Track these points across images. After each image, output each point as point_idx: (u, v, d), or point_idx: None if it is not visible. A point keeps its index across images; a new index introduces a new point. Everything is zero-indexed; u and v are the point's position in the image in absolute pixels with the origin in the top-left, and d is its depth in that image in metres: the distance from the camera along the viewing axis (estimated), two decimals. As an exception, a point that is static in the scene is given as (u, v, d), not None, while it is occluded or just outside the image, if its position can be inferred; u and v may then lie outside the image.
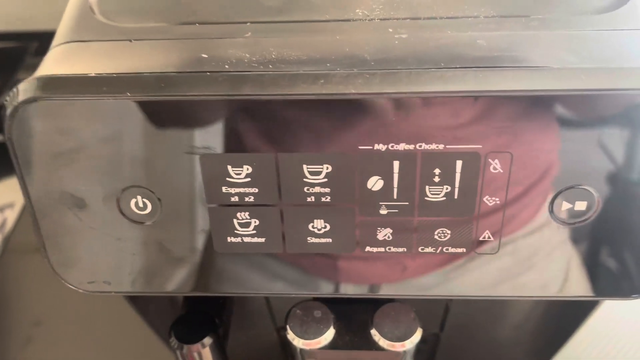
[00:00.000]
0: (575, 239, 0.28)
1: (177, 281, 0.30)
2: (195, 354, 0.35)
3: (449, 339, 0.53)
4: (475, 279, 0.29)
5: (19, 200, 0.92)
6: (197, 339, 0.35)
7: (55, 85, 0.26)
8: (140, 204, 0.28)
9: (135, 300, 0.39)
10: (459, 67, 0.25)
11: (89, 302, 0.76)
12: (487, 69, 0.25)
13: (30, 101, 0.26)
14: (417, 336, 0.34)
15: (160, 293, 0.31)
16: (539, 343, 0.50)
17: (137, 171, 0.27)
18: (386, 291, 0.30)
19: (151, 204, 0.28)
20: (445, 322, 0.51)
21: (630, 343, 0.68)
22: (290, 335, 0.34)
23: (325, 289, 0.31)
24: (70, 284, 0.31)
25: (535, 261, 0.29)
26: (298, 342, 0.34)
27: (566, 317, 0.43)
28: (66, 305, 0.77)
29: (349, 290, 0.31)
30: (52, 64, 0.27)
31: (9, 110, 0.26)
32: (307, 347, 0.34)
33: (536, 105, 0.25)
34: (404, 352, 0.34)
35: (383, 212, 0.28)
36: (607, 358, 0.67)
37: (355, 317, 0.35)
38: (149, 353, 0.71)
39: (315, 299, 0.36)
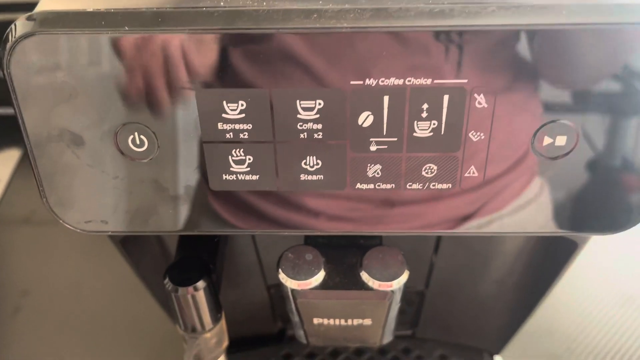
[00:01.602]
0: (557, 174, 0.29)
1: (173, 220, 0.31)
2: (189, 297, 0.36)
3: (434, 296, 0.55)
4: (460, 215, 0.31)
5: (5, 173, 0.92)
6: (191, 282, 0.36)
7: (53, 20, 0.27)
8: (137, 141, 0.29)
9: (129, 250, 0.40)
10: (447, 3, 0.26)
11: (76, 271, 0.77)
12: (475, 4, 0.26)
13: (28, 35, 0.26)
14: (404, 277, 0.35)
15: (156, 232, 0.32)
16: (520, 298, 0.51)
17: (134, 107, 0.28)
18: (374, 228, 0.32)
19: (148, 141, 0.29)
20: (430, 279, 0.53)
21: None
22: (282, 277, 0.35)
23: (316, 227, 0.32)
24: (67, 224, 0.32)
25: (518, 197, 0.30)
26: (290, 283, 0.35)
27: (545, 270, 0.45)
28: (53, 275, 0.77)
29: (339, 227, 0.32)
30: (49, 2, 0.28)
31: (7, 46, 0.27)
32: (298, 288, 0.35)
33: (520, 40, 0.26)
34: (392, 292, 0.35)
35: (373, 148, 0.29)
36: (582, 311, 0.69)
37: (344, 260, 0.36)
38: (136, 320, 0.72)
39: (307, 244, 0.37)
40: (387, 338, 0.41)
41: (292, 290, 0.35)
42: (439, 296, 0.54)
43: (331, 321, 0.37)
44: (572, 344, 0.68)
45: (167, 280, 0.36)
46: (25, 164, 0.94)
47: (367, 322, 0.37)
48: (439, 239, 0.44)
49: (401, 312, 0.61)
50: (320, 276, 0.35)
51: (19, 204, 0.87)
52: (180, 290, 0.35)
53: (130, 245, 0.40)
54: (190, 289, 0.35)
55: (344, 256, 0.36)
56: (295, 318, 0.38)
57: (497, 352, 0.62)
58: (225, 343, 0.42)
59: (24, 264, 0.80)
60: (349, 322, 0.37)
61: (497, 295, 0.52)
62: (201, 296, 0.36)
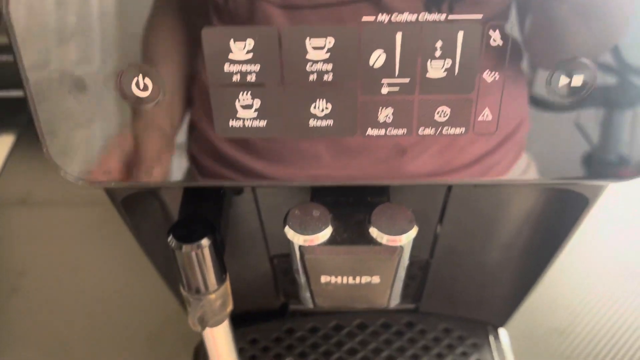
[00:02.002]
0: (573, 116, 0.29)
1: (177, 169, 0.31)
2: (194, 254, 0.35)
3: (438, 266, 0.54)
4: (474, 161, 0.30)
5: (1, 154, 0.91)
6: (196, 239, 0.35)
7: (54, -46, 0.26)
8: (141, 85, 0.28)
9: (130, 212, 0.39)
10: None
11: (73, 252, 0.76)
12: None
13: (28, -29, 0.25)
14: (413, 232, 0.34)
15: (160, 184, 0.31)
16: (526, 264, 0.51)
17: (138, 48, 0.27)
18: (384, 177, 0.31)
19: (152, 84, 0.28)
20: (434, 248, 0.52)
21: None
22: (290, 233, 0.35)
23: (323, 177, 0.31)
24: (69, 175, 0.31)
25: (533, 141, 0.29)
26: (298, 239, 0.34)
27: (553, 231, 0.44)
28: (50, 255, 0.76)
29: (347, 177, 0.31)
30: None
31: (6, -17, 0.26)
32: (306, 244, 0.34)
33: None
34: (401, 247, 0.34)
35: (384, 90, 0.28)
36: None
37: (352, 217, 0.36)
38: (135, 299, 0.71)
39: (313, 201, 0.36)
40: (395, 300, 0.40)
41: (300, 247, 0.35)
42: (444, 266, 0.54)
43: (339, 279, 0.36)
44: (575, 318, 0.68)
45: (171, 237, 0.35)
46: (21, 146, 0.93)
47: (375, 280, 0.36)
48: (445, 202, 0.43)
49: (405, 286, 0.61)
50: (327, 232, 0.35)
51: (15, 185, 0.86)
52: (184, 247, 0.35)
53: (131, 206, 0.39)
54: (195, 245, 0.34)
55: (352, 213, 0.36)
56: (302, 279, 0.38)
57: (501, 325, 0.62)
58: (230, 307, 0.41)
59: (21, 245, 0.79)
60: (357, 280, 0.36)
61: (502, 263, 0.51)
62: (206, 254, 0.35)
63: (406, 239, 0.34)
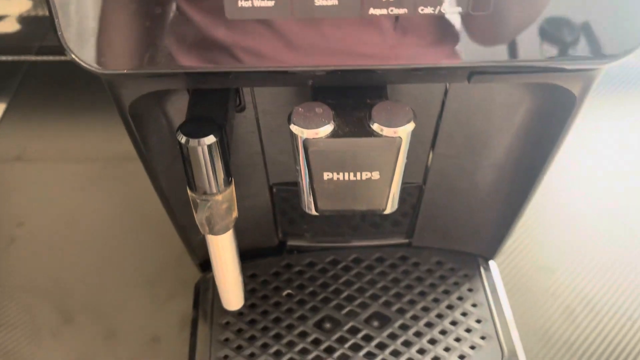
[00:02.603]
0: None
1: (189, 54, 0.32)
2: (201, 149, 0.36)
3: (430, 192, 0.56)
4: (470, 41, 0.32)
5: (-1, 108, 0.91)
6: (204, 136, 0.36)
7: None
8: (156, -35, 0.29)
9: (138, 126, 0.40)
10: None
11: (70, 204, 0.77)
12: None
13: None
14: (412, 125, 0.36)
15: (173, 69, 0.32)
16: (515, 184, 0.53)
17: None
18: (380, 61, 0.33)
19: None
20: (427, 173, 0.54)
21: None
22: (294, 128, 0.36)
23: (328, 61, 0.33)
24: (83, 62, 0.32)
25: (527, 20, 0.31)
26: (302, 133, 0.36)
27: (542, 141, 0.46)
28: (48, 207, 0.77)
29: (350, 61, 0.33)
30: None
31: None
32: (310, 137, 0.36)
33: None
34: (400, 138, 0.36)
35: (387, -32, 0.30)
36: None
37: (353, 114, 0.37)
38: (133, 245, 0.72)
39: (315, 100, 0.38)
40: (393, 206, 0.42)
41: (304, 141, 0.36)
42: (436, 192, 0.56)
43: (340, 176, 0.38)
44: (562, 256, 0.71)
45: (179, 133, 0.36)
46: (14, 104, 0.93)
47: (375, 175, 0.38)
48: (441, 111, 0.45)
49: (396, 223, 0.63)
50: (330, 126, 0.36)
51: (9, 142, 0.86)
52: (192, 141, 0.36)
53: (137, 113, 0.40)
54: (204, 140, 0.36)
55: (353, 112, 0.37)
56: (305, 179, 0.39)
57: (491, 257, 0.64)
58: (235, 213, 0.43)
59: (17, 198, 0.80)
60: (357, 176, 0.38)
61: (492, 184, 0.53)
62: (213, 150, 0.36)
63: (405, 131, 0.36)
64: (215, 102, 0.40)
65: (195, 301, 0.62)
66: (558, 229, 0.73)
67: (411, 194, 0.57)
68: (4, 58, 0.99)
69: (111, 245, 0.73)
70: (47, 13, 0.30)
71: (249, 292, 0.61)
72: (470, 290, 0.61)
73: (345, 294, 0.61)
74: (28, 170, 0.83)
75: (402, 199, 0.58)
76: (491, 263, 0.64)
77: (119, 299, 0.67)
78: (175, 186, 0.50)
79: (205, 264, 0.63)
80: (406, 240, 0.65)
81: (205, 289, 0.62)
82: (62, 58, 0.99)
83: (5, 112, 0.93)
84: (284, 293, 0.61)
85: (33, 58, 0.99)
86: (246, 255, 0.62)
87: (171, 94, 0.42)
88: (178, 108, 0.42)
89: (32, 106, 0.91)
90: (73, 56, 0.32)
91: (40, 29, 1.02)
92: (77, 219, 0.76)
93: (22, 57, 0.99)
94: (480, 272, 0.63)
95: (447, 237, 0.63)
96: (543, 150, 0.46)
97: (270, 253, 0.64)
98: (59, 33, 0.31)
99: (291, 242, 0.64)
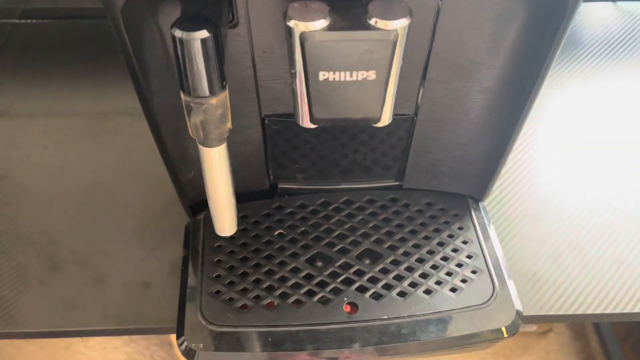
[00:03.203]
0: None
1: None
2: (196, 44, 0.36)
3: (423, 124, 0.57)
4: None
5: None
6: (199, 29, 0.36)
7: None
8: None
9: (128, 28, 0.40)
10: None
11: (56, 158, 0.76)
12: None
13: None
14: (408, 19, 0.37)
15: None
16: (504, 115, 0.53)
17: None
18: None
19: None
20: (419, 102, 0.54)
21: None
22: (291, 22, 0.36)
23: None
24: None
25: None
26: (299, 26, 0.36)
27: (534, 59, 0.46)
28: (32, 160, 0.76)
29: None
30: None
31: None
32: (307, 30, 0.36)
33: None
34: (396, 32, 0.36)
35: None
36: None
37: (350, 9, 0.37)
38: (121, 197, 0.71)
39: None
40: (386, 118, 0.42)
41: (301, 35, 0.36)
42: (428, 124, 0.56)
43: (336, 75, 0.38)
44: (548, 204, 0.72)
45: (174, 27, 0.36)
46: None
47: (371, 75, 0.38)
48: (433, 30, 0.45)
49: (387, 167, 0.63)
50: (326, 20, 0.36)
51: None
52: (185, 34, 0.35)
53: (129, 18, 0.40)
54: (199, 33, 0.36)
55: (349, 8, 0.38)
56: (301, 84, 0.39)
57: (481, 199, 0.65)
58: (229, 124, 0.42)
59: (1, 152, 0.78)
60: (354, 76, 0.38)
61: (482, 113, 0.54)
62: (209, 45, 0.36)
63: (402, 24, 0.36)
64: (209, 4, 0.39)
65: (186, 240, 0.61)
66: (543, 179, 0.74)
67: (401, 126, 0.57)
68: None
69: (99, 196, 0.72)
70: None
71: (240, 231, 0.61)
72: (460, 228, 0.62)
73: (336, 233, 0.61)
74: (14, 124, 0.82)
75: (394, 133, 0.59)
76: (481, 204, 0.65)
77: (107, 247, 0.67)
78: (168, 110, 0.49)
79: (195, 207, 0.63)
80: (397, 183, 0.65)
81: (196, 229, 0.62)
82: (46, 21, 0.98)
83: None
84: (276, 232, 0.61)
85: (17, 21, 0.98)
86: (238, 198, 0.62)
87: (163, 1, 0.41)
88: (171, 16, 0.42)
89: (17, 67, 0.90)
90: None
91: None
92: (64, 172, 0.75)
93: (5, 20, 0.98)
94: (470, 211, 0.63)
95: (437, 177, 0.63)
96: (533, 69, 0.46)
97: (261, 196, 0.64)
98: None
99: (282, 185, 0.64)
